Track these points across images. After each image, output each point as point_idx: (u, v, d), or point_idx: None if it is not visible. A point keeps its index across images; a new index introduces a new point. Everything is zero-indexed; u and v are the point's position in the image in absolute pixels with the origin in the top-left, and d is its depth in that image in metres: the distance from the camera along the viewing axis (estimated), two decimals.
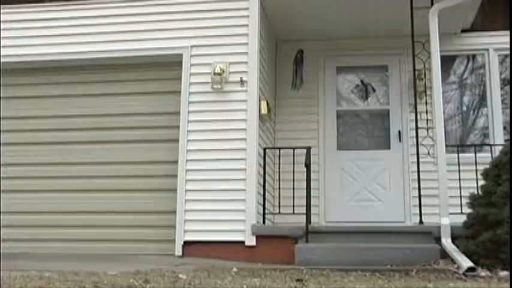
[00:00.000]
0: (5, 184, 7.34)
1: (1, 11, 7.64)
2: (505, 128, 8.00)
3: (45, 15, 7.67)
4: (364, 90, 8.59)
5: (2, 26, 7.58)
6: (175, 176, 6.95)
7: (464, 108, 8.41)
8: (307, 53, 8.49)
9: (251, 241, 6.57)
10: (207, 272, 5.01)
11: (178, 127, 7.07)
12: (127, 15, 7.45)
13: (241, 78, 7.01)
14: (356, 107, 8.56)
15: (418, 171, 6.77)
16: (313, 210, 7.19)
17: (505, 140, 7.66)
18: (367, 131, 8.48)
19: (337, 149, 8.28)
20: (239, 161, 6.82)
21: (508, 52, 7.92)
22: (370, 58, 8.45)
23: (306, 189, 6.67)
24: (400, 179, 7.95)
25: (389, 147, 8.12)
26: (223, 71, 7.00)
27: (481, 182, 5.83)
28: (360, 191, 8.08)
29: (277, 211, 7.62)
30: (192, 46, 7.23)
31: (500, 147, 6.39)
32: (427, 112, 7.78)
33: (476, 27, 8.21)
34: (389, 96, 8.34)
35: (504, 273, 4.95)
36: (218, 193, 6.81)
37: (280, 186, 7.58)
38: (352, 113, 8.56)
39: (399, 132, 8.07)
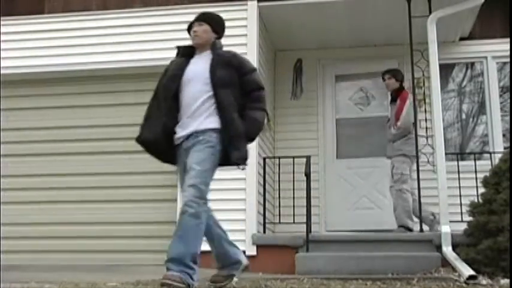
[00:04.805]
0: (6, 196, 7.32)
1: (1, 22, 7.66)
2: (504, 135, 8.00)
3: (43, 27, 7.68)
4: (363, 98, 8.59)
5: (2, 38, 7.61)
6: (175, 186, 6.92)
7: (464, 116, 8.41)
8: (306, 62, 8.51)
9: (251, 251, 6.55)
10: (207, 282, 4.99)
11: None
12: (125, 26, 7.46)
13: None
14: (355, 115, 8.52)
15: (418, 179, 6.76)
16: (313, 219, 7.17)
17: (505, 148, 7.64)
18: (366, 138, 8.44)
19: (337, 158, 8.28)
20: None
21: (506, 60, 7.95)
22: (368, 66, 8.45)
23: (306, 198, 6.64)
24: None
25: None
26: None
27: (481, 190, 5.83)
28: (360, 199, 8.06)
29: (278, 220, 7.62)
30: None
31: (499, 155, 6.39)
32: (426, 120, 7.81)
33: (475, 35, 8.24)
34: (388, 103, 8.30)
35: (505, 281, 4.94)
36: (218, 203, 6.68)
37: (280, 195, 7.57)
38: (352, 121, 8.51)
39: None
